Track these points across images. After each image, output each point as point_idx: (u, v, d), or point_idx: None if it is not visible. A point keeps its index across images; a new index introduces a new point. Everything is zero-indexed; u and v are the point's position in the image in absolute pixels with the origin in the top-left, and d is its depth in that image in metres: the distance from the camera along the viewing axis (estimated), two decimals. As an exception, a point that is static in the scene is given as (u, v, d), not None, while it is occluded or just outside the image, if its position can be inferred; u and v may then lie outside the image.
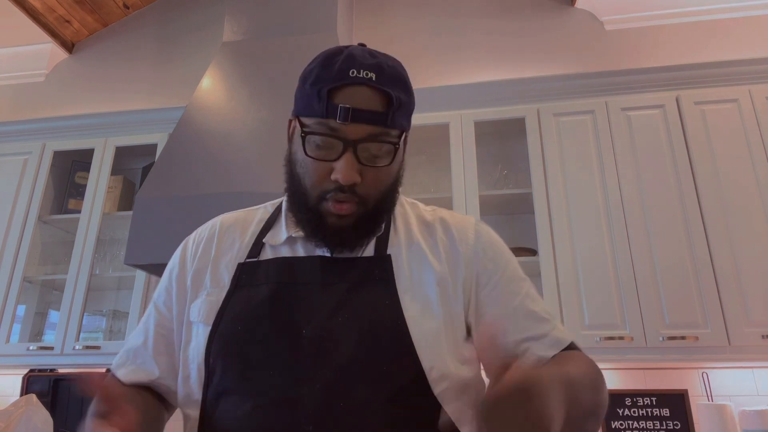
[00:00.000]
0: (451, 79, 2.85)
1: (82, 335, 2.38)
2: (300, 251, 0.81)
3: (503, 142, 2.63)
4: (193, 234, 0.91)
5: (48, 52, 3.30)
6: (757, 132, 2.17)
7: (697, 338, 1.94)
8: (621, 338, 1.99)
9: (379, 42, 3.03)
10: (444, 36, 2.97)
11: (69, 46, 3.34)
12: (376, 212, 0.78)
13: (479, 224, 0.88)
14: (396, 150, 0.75)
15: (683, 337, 1.95)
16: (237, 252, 0.84)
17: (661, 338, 1.96)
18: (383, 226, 0.82)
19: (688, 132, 2.22)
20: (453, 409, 0.72)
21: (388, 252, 0.80)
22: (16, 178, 2.67)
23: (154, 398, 0.83)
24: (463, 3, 3.01)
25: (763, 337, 1.91)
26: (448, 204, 2.30)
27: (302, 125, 0.75)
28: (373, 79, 0.73)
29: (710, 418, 1.96)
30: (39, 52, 3.32)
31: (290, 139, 0.82)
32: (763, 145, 2.14)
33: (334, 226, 0.76)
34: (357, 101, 0.72)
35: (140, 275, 2.38)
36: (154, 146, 2.62)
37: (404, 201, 0.92)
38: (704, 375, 2.14)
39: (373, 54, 0.76)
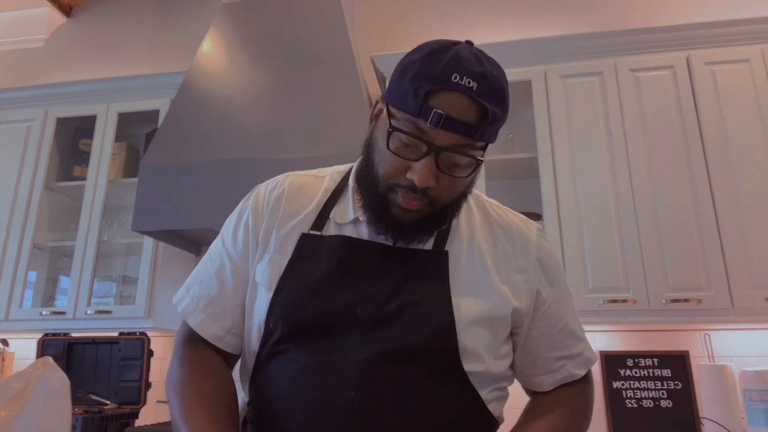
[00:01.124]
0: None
1: (93, 300, 2.42)
2: (364, 234, 0.82)
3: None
4: (264, 186, 0.91)
5: (46, 17, 3.24)
6: (769, 93, 2.12)
7: (700, 301, 1.96)
8: (624, 301, 2.00)
9: (378, 2, 2.95)
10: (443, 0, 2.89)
11: (66, 10, 3.28)
12: (442, 213, 0.79)
13: (541, 236, 0.90)
14: (477, 165, 0.75)
15: (686, 300, 1.96)
16: (302, 220, 0.85)
17: (664, 301, 1.98)
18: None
19: (698, 93, 2.17)
20: (484, 392, 0.78)
21: (447, 248, 0.82)
22: (20, 145, 2.67)
23: (229, 375, 0.86)
24: (469, -40, 2.92)
25: (766, 299, 1.92)
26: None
27: (390, 116, 0.75)
28: (474, 89, 0.70)
29: (711, 378, 1.99)
30: (37, 17, 3.26)
31: (374, 119, 0.81)
32: (774, 107, 2.10)
33: (397, 218, 0.77)
34: (453, 109, 0.70)
35: (148, 241, 2.40)
36: (156, 112, 2.60)
37: (469, 196, 0.91)
38: (706, 336, 2.17)
39: (480, 59, 0.74)
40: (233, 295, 0.85)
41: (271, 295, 0.79)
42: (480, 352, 0.77)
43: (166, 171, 2.08)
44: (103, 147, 2.60)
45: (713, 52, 2.21)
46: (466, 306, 0.77)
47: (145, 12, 3.21)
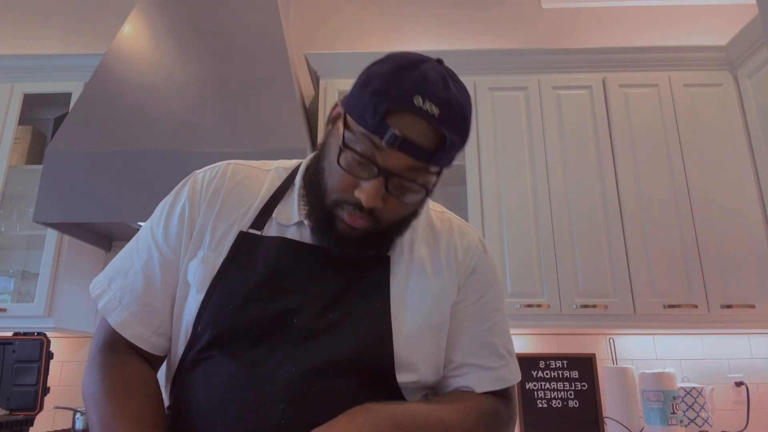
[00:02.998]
0: (388, 47, 2.81)
1: (-15, 297, 2.21)
2: (306, 237, 0.78)
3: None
4: (201, 174, 0.84)
5: (-58, -19, 2.93)
6: (673, 117, 2.31)
7: (606, 306, 2.09)
8: (539, 306, 2.10)
9: (313, 4, 2.92)
10: (380, 3, 2.91)
11: (-32, -23, 2.97)
12: (387, 232, 0.76)
13: (482, 242, 0.88)
14: (427, 193, 0.73)
15: (594, 306, 2.09)
16: (241, 217, 0.79)
17: (574, 306, 2.09)
18: None
19: (612, 113, 2.33)
20: (413, 399, 0.77)
21: (389, 254, 0.79)
22: None
23: (156, 383, 0.79)
24: (406, -33, 2.96)
25: (664, 306, 2.08)
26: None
27: (346, 126, 0.71)
28: (436, 116, 0.67)
29: (614, 379, 2.13)
30: (-69, -20, 2.93)
31: (331, 122, 0.77)
32: (677, 131, 2.29)
33: (342, 232, 0.74)
34: (410, 132, 0.67)
35: (51, 234, 2.22)
36: (68, 95, 2.43)
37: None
38: (611, 340, 2.32)
39: (447, 83, 0.71)
40: (162, 292, 0.78)
41: (201, 296, 0.74)
42: (416, 363, 0.75)
43: (76, 159, 1.93)
44: (4, 130, 2.38)
45: (627, 76, 2.38)
46: (405, 316, 0.75)
47: (60, -13, 2.97)
